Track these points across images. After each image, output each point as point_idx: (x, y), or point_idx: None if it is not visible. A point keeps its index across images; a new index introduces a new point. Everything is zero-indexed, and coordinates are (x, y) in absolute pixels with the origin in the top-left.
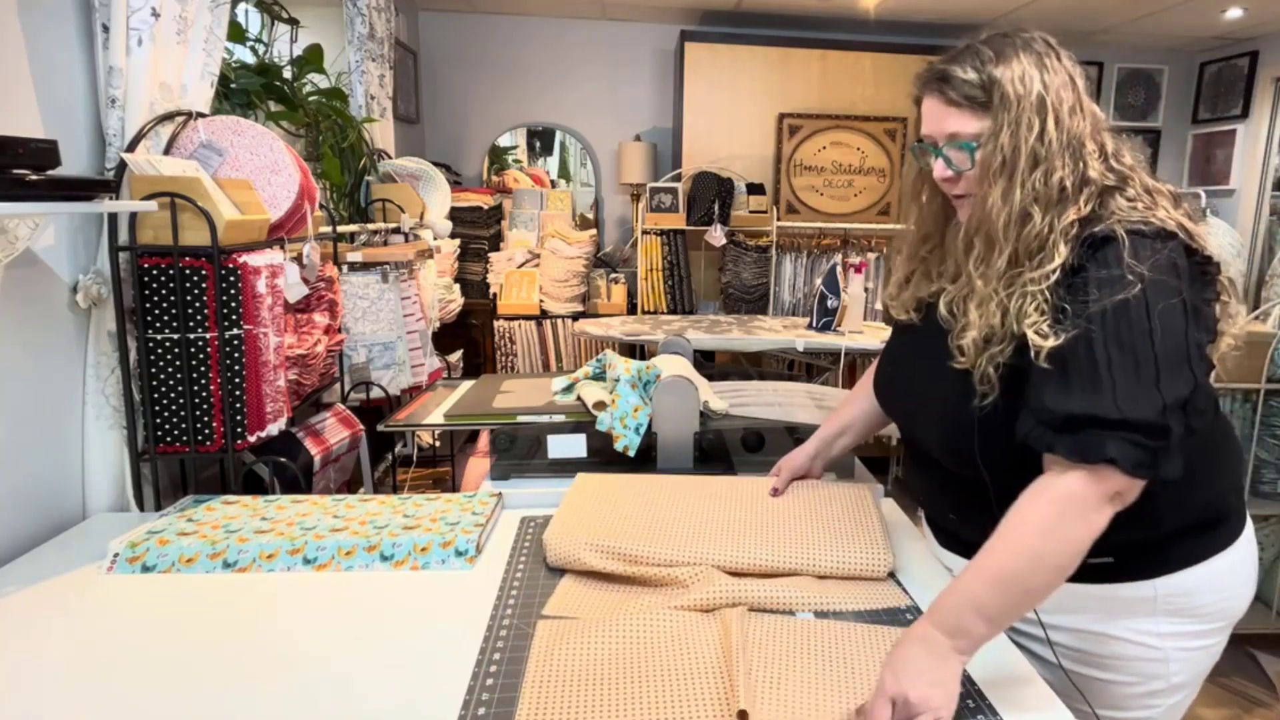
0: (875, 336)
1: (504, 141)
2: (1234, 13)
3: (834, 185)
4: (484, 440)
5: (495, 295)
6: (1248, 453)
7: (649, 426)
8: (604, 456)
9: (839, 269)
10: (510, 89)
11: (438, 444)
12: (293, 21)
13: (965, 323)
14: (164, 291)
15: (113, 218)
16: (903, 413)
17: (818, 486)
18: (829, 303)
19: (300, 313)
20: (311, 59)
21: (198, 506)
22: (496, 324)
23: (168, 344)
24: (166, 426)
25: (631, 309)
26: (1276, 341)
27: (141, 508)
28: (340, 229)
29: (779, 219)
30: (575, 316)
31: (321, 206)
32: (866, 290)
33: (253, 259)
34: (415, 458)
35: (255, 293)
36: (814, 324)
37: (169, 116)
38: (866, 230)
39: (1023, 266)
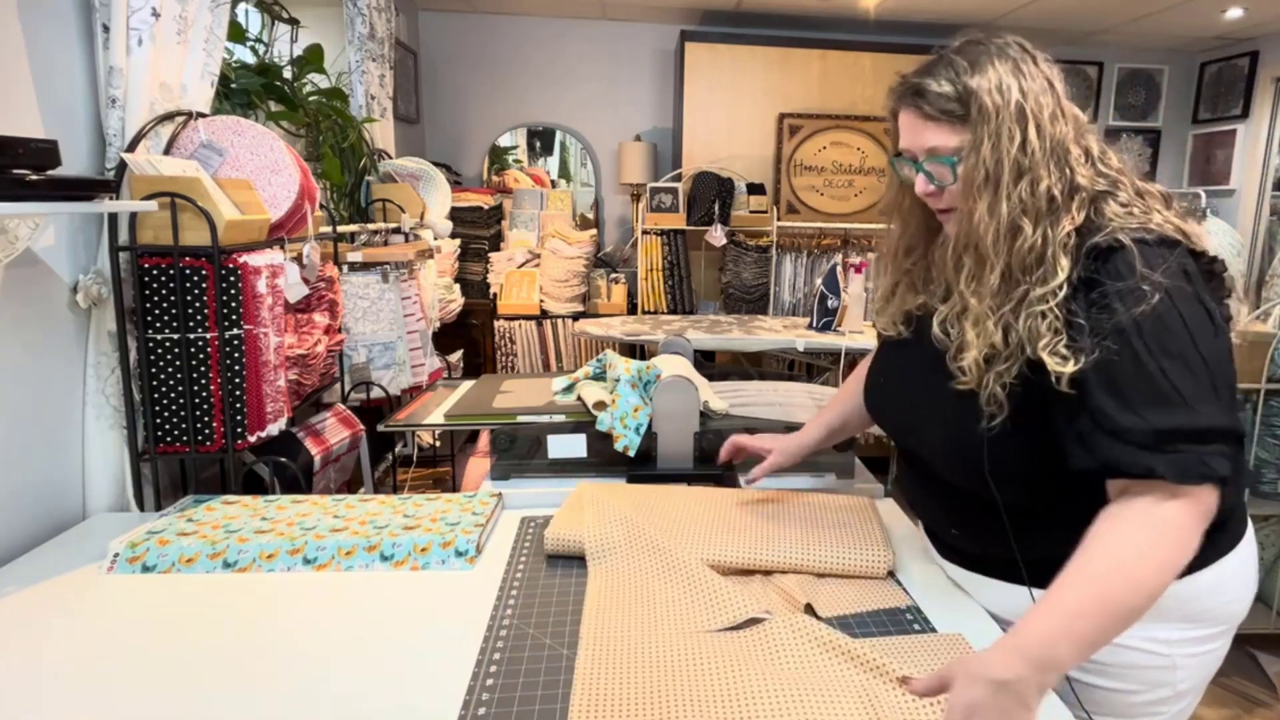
0: (875, 336)
1: (504, 141)
2: (1234, 13)
3: (834, 185)
4: (484, 440)
5: (495, 295)
6: (1248, 453)
7: (649, 426)
8: (604, 457)
9: (839, 269)
10: (510, 89)
11: (438, 444)
12: (293, 21)
13: (963, 343)
14: (164, 291)
15: (113, 218)
16: (899, 427)
17: (817, 494)
18: (829, 303)
19: (300, 313)
20: (311, 59)
21: (198, 506)
22: (496, 324)
23: (168, 344)
24: (166, 426)
25: (632, 309)
26: (1276, 341)
27: (141, 508)
28: (340, 229)
29: (779, 219)
30: (575, 316)
31: (322, 206)
32: (867, 290)
33: (253, 259)
34: (415, 458)
35: (255, 293)
36: (814, 324)
37: (169, 116)
38: (867, 230)
39: (1021, 283)
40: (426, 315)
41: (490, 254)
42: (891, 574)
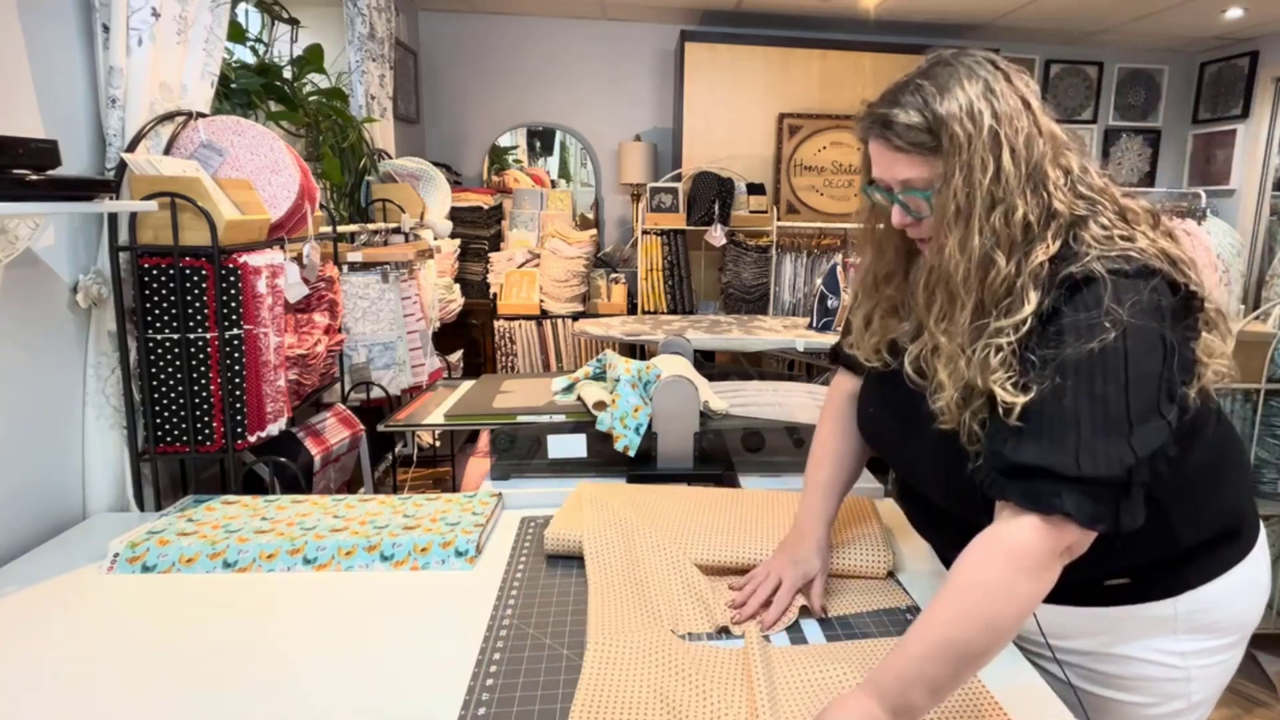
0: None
1: (504, 141)
2: (1234, 13)
3: (834, 185)
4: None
5: (495, 295)
6: (1249, 453)
7: (649, 426)
8: (604, 457)
9: (839, 269)
10: (510, 89)
11: (438, 444)
12: (293, 21)
13: (937, 383)
14: (164, 291)
15: (113, 218)
16: (897, 460)
17: None
18: (829, 303)
19: (300, 313)
20: (311, 59)
21: (198, 506)
22: (496, 324)
23: (168, 344)
24: (166, 426)
25: (631, 309)
26: (1276, 341)
27: (141, 508)
28: (340, 229)
29: (779, 219)
30: (575, 316)
31: (321, 206)
32: None
33: (253, 259)
34: (415, 458)
35: (255, 293)
36: (814, 324)
37: (169, 116)
38: None
39: (988, 316)
40: (426, 315)
41: (490, 254)
42: (891, 574)
